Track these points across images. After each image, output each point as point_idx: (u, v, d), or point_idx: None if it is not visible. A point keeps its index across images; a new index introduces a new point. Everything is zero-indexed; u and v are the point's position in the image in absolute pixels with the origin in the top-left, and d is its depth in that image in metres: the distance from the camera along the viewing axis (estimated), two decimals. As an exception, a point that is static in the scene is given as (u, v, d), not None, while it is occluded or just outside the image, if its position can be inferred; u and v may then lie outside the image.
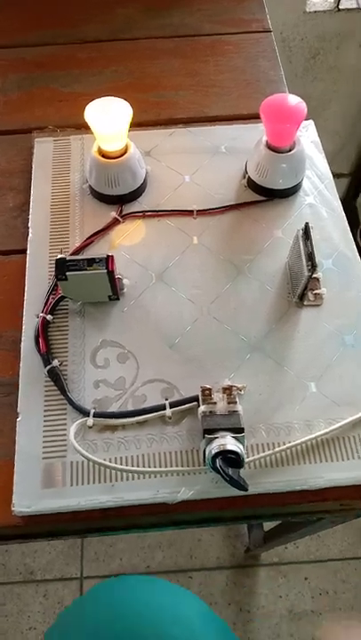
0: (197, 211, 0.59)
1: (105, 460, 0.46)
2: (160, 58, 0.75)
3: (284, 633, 1.14)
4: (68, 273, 0.47)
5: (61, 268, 0.47)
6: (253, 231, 0.58)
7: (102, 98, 0.53)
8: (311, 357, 0.51)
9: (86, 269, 0.47)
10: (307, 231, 0.49)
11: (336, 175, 0.63)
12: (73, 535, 0.56)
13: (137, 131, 0.64)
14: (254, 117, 0.67)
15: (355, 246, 0.57)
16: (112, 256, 0.48)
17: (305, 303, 0.53)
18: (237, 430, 0.43)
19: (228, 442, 0.42)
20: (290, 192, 0.60)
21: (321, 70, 1.13)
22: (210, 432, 0.43)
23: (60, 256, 0.48)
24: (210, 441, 0.43)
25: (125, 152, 0.56)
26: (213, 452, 0.42)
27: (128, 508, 0.45)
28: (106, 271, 0.47)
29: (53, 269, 0.55)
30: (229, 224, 0.59)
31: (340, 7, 1.00)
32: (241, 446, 0.42)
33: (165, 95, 0.71)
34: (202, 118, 0.69)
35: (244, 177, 0.61)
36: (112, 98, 0.53)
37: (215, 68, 0.73)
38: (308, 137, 0.65)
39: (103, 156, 0.56)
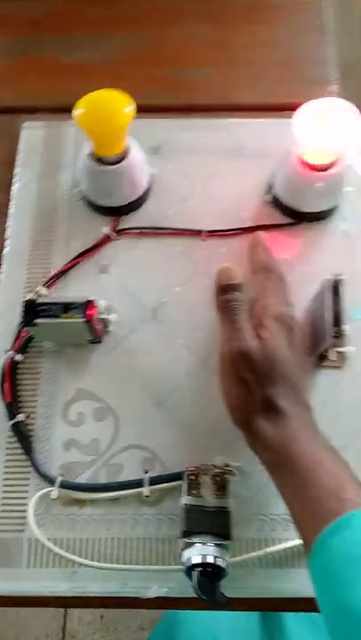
0: (207, 231, 0.49)
1: (69, 539, 0.40)
2: (185, 22, 0.62)
3: None
4: (37, 320, 0.39)
5: (30, 313, 0.39)
6: (272, 262, 0.48)
7: (97, 92, 0.42)
8: (328, 433, 0.40)
9: (60, 317, 0.39)
10: (336, 288, 0.40)
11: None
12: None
13: (147, 118, 0.53)
14: (291, 109, 0.56)
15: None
16: (92, 302, 0.40)
17: (324, 364, 0.44)
18: (224, 537, 0.36)
19: (210, 552, 0.35)
20: (323, 215, 0.49)
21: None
22: (191, 534, 0.36)
23: (29, 297, 0.40)
24: (189, 545, 0.36)
25: (124, 157, 0.46)
26: (191, 563, 0.35)
27: (92, 599, 0.39)
28: (83, 321, 0.39)
29: (30, 292, 0.47)
30: (244, 251, 0.49)
31: None
32: (226, 555, 0.36)
33: (186, 72, 0.59)
34: (227, 106, 0.57)
35: (269, 192, 0.50)
36: (110, 92, 0.42)
37: (249, 41, 0.60)
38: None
39: (98, 159, 0.46)
